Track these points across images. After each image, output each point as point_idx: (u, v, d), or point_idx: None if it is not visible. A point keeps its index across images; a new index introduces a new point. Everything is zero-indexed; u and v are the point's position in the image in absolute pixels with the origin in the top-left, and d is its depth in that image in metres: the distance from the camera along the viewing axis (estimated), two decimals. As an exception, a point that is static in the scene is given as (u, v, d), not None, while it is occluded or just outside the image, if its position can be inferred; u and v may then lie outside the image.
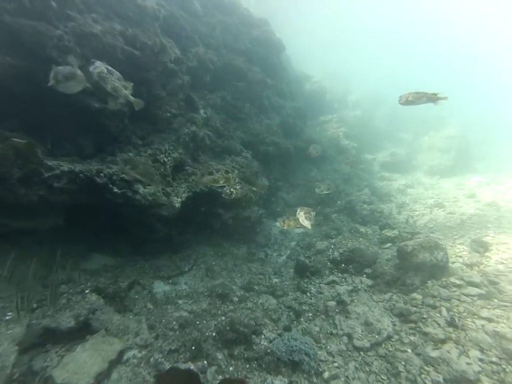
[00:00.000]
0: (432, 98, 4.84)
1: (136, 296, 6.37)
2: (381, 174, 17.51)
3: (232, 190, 8.08)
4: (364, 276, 7.34)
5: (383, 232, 9.06)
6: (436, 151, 18.61)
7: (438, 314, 5.53)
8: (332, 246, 8.35)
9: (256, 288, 7.61)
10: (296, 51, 23.72)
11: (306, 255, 8.21)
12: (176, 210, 6.60)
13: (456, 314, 5.42)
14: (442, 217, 10.95)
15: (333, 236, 9.45)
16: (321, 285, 7.32)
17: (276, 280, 8.05)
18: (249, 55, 11.94)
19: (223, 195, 8.01)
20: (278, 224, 6.15)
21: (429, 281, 6.56)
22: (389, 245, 8.64)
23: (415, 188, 15.71)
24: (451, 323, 5.19)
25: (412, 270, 6.62)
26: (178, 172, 7.41)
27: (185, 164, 7.47)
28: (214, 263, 8.79)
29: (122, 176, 5.45)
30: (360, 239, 8.73)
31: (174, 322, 5.60)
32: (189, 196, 7.25)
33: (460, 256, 7.59)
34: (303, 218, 5.17)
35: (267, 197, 11.37)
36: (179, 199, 6.57)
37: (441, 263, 6.65)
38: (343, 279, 7.38)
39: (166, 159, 6.62)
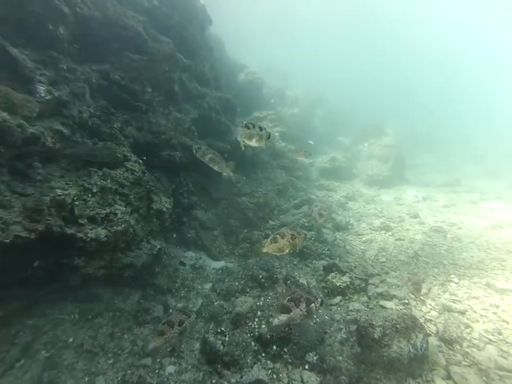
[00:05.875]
0: None
1: None
2: (319, 182, 15.68)
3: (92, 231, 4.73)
4: (307, 367, 4.71)
5: (329, 278, 6.61)
6: (375, 160, 17.55)
7: None
8: (259, 312, 5.51)
9: (133, 396, 4.47)
10: (231, 37, 20.62)
11: (219, 331, 5.23)
12: None
13: None
14: (392, 245, 9.12)
15: (262, 283, 6.69)
16: (239, 387, 4.47)
17: (171, 369, 5.01)
18: (156, 17, 8.39)
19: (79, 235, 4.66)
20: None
21: (405, 385, 4.19)
22: (338, 299, 6.25)
23: (356, 200, 14.12)
24: None
25: (382, 367, 4.16)
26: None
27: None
28: (71, 339, 5.33)
29: None
30: (301, 296, 6.09)
31: None
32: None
33: (431, 321, 5.49)
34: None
35: (176, 216, 8.15)
36: None
37: (420, 351, 4.33)
38: (275, 375, 4.62)
39: None
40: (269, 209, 9.93)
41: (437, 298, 6.10)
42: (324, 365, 4.59)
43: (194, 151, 4.43)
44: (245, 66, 19.20)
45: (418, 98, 46.55)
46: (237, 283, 7.00)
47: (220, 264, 8.10)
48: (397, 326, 4.29)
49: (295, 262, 7.83)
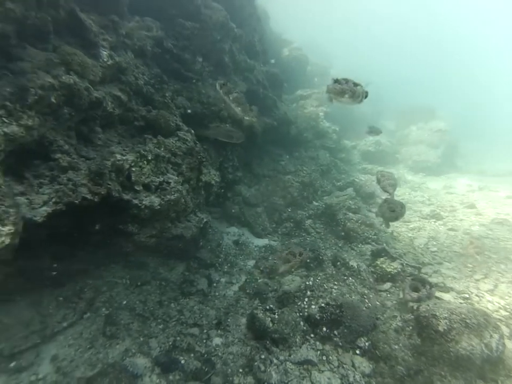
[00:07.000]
0: None
1: None
2: (362, 166, 14.94)
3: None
4: (358, 352, 4.52)
5: (378, 263, 6.27)
6: (423, 145, 16.33)
7: None
8: (309, 292, 5.34)
9: (183, 362, 4.58)
10: (273, 10, 19.70)
11: (268, 308, 5.15)
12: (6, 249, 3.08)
13: None
14: (444, 235, 8.47)
15: (308, 263, 6.50)
16: (287, 365, 4.39)
17: (218, 341, 5.03)
18: (207, -18, 8.06)
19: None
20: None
21: (474, 387, 3.85)
22: (387, 285, 5.88)
23: (401, 186, 13.29)
24: None
25: (447, 364, 3.85)
26: (35, 165, 3.80)
27: (52, 148, 3.86)
28: (125, 302, 5.57)
29: None
30: (350, 279, 5.81)
31: None
32: (58, 210, 3.71)
33: (501, 321, 4.98)
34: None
35: (220, 191, 8.09)
36: (9, 229, 3.01)
37: (495, 353, 3.92)
38: (324, 357, 4.49)
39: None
40: (313, 190, 9.61)
41: (506, 297, 5.54)
42: (377, 352, 4.37)
43: (219, 87, 4.08)
44: (289, 41, 18.34)
45: (477, 80, 42.45)
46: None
47: (263, 241, 8.00)
48: (467, 321, 3.91)
49: (340, 245, 7.55)
